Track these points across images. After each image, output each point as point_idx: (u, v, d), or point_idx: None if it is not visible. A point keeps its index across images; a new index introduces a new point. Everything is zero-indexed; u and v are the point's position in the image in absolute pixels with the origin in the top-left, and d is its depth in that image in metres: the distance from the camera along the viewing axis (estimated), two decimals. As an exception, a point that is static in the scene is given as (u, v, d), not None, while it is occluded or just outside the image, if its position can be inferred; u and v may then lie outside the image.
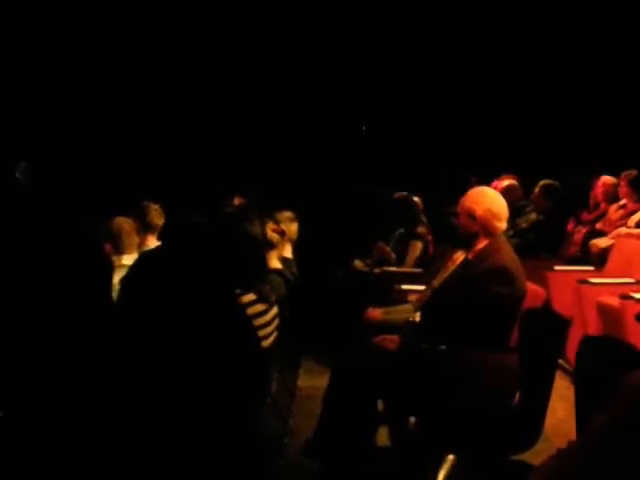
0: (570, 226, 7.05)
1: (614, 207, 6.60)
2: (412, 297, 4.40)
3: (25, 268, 1.92)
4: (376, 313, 4.27)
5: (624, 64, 8.72)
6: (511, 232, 6.38)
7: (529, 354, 3.27)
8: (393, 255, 6.64)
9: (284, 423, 4.14)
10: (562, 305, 5.19)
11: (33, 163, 9.27)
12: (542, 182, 7.17)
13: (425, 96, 10.03)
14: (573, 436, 2.12)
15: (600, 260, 5.97)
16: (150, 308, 1.82)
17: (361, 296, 5.25)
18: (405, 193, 7.00)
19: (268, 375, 3.39)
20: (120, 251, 4.46)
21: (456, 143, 9.93)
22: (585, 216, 7.04)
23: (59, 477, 1.78)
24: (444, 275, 3.92)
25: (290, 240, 5.22)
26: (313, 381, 5.00)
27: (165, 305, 1.82)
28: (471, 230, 3.66)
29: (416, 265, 6.45)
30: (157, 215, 4.96)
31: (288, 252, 5.13)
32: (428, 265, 6.22)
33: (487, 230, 3.63)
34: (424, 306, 3.89)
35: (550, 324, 3.27)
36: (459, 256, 3.88)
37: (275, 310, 3.46)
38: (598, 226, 6.55)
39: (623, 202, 6.52)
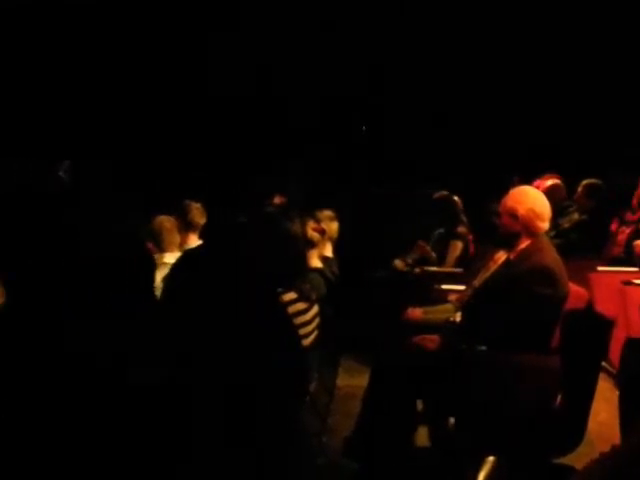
0: (614, 226, 6.94)
1: (659, 208, 6.49)
2: (452, 297, 4.38)
3: (68, 267, 1.94)
4: (416, 313, 4.26)
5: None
6: (553, 232, 6.30)
7: (571, 356, 3.24)
8: (433, 255, 6.62)
9: (323, 422, 4.14)
10: (605, 306, 5.11)
11: (76, 162, 9.40)
12: (585, 181, 7.07)
13: (467, 93, 9.95)
14: (616, 440, 2.09)
15: (644, 261, 5.88)
16: (193, 306, 1.84)
17: (401, 296, 5.24)
18: (445, 192, 6.97)
19: (308, 374, 3.40)
20: (162, 249, 4.50)
21: (498, 141, 9.84)
22: (629, 216, 6.92)
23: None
24: (485, 275, 3.89)
25: (330, 239, 5.23)
26: (352, 380, 5.00)
27: (208, 303, 1.83)
28: (513, 230, 3.64)
29: (456, 265, 6.42)
30: (198, 214, 5.01)
31: (329, 251, 5.14)
32: (468, 265, 6.18)
33: (529, 230, 3.60)
34: (465, 306, 3.87)
35: (593, 326, 3.23)
36: (500, 256, 3.85)
37: (315, 309, 3.46)
38: (642, 227, 6.44)
39: (668, 202, 6.41)
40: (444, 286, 5.19)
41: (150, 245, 4.39)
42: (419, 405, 3.64)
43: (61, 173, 9.33)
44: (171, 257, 4.17)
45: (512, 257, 3.67)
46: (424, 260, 6.57)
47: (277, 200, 7.07)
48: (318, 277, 4.30)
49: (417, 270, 6.36)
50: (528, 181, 6.73)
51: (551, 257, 3.55)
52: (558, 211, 6.38)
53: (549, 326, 3.42)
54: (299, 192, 7.61)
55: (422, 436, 3.88)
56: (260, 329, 1.85)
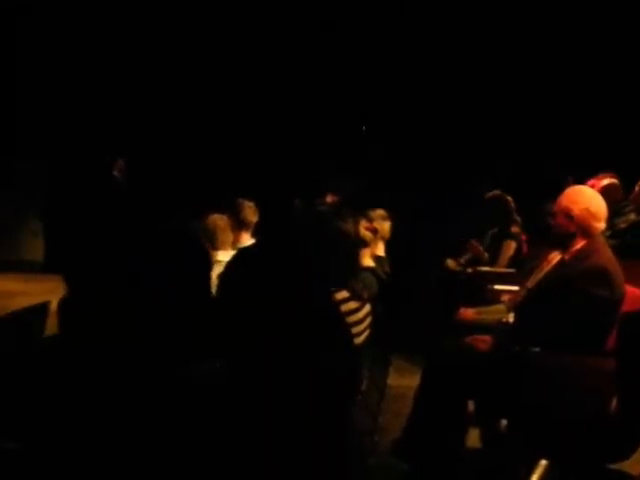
0: (672, 227, 6.80)
1: None
2: (505, 297, 4.35)
3: (125, 265, 1.98)
4: (468, 313, 4.24)
5: None
6: (609, 233, 6.20)
7: (627, 359, 3.18)
8: (486, 255, 6.56)
9: (374, 421, 4.14)
10: (662, 309, 5.02)
11: (130, 161, 9.55)
12: (642, 181, 6.94)
13: (523, 90, 9.84)
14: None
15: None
16: (248, 304, 1.87)
17: (454, 296, 5.22)
18: (498, 192, 6.90)
19: (359, 372, 3.40)
20: (215, 247, 4.55)
21: (553, 140, 9.72)
22: (687, 217, 6.78)
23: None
24: (539, 276, 3.85)
25: (383, 238, 5.23)
26: (403, 380, 4.99)
27: (262, 301, 1.85)
28: (568, 230, 3.59)
29: (509, 265, 6.36)
30: (251, 212, 5.05)
31: (381, 250, 5.14)
32: (521, 265, 6.11)
33: (584, 230, 3.56)
34: (518, 307, 3.84)
35: (650, 328, 3.17)
36: (554, 257, 3.80)
37: (368, 308, 3.46)
38: (701, 227, 6.30)
39: None
40: (497, 286, 5.15)
41: (203, 244, 4.44)
42: (470, 406, 3.62)
43: (115, 172, 9.48)
44: (224, 255, 4.22)
45: (567, 258, 3.63)
46: (477, 260, 6.52)
47: (329, 199, 7.09)
48: (370, 276, 4.31)
49: (469, 270, 6.32)
50: (583, 180, 6.63)
51: (607, 258, 3.50)
52: (614, 211, 6.27)
53: (604, 328, 3.37)
54: (352, 191, 7.62)
55: (473, 437, 3.86)
56: (313, 328, 1.86)
